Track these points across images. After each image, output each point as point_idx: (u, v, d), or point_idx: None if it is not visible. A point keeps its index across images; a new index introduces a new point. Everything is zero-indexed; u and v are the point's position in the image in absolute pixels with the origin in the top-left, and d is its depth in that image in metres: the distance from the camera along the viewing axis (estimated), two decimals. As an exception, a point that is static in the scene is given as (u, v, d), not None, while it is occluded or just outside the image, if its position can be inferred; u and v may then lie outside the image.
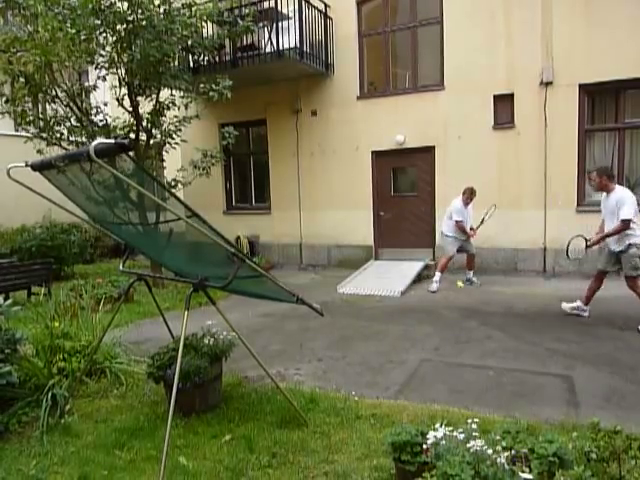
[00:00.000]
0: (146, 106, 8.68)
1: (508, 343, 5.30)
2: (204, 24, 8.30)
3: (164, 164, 9.77)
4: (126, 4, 7.49)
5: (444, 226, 8.21)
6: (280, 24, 9.19)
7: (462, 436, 2.40)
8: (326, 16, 9.97)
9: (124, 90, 8.29)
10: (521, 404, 3.69)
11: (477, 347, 5.20)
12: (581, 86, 8.32)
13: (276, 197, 11.31)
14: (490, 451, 2.23)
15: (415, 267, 9.24)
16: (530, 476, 2.28)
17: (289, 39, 9.35)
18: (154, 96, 8.45)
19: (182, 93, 8.60)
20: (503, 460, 2.32)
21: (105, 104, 9.15)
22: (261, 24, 9.24)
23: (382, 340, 5.52)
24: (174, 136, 8.31)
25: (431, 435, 2.47)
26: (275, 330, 6.03)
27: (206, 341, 3.80)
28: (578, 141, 8.48)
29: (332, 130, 10.43)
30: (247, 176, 11.93)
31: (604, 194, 5.80)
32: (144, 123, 8.50)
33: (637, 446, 2.22)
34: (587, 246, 5.95)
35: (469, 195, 7.92)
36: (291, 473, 2.89)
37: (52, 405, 3.72)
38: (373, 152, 10.08)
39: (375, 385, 4.25)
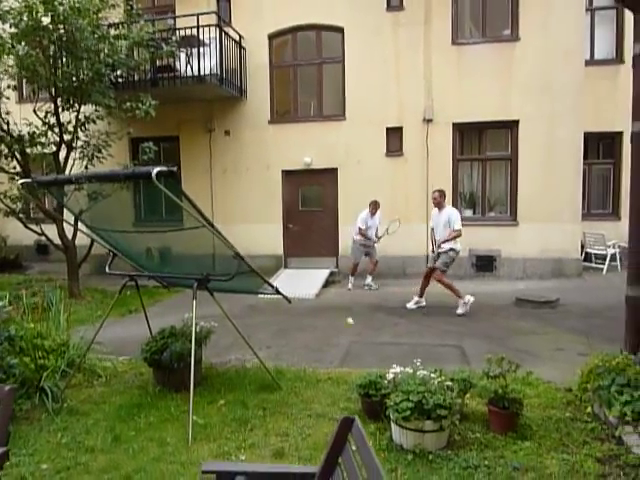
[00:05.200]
0: (65, 118, 8.80)
1: (412, 327, 6.74)
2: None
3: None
4: (48, 19, 7.71)
5: (354, 234, 9.69)
6: (202, 50, 9.94)
7: (411, 371, 3.59)
8: (240, 46, 10.93)
9: (40, 103, 8.44)
10: (432, 364, 4.98)
11: (390, 331, 6.56)
12: (454, 124, 10.36)
13: (189, 210, 11.83)
14: (433, 375, 3.44)
15: (323, 274, 10.51)
16: (454, 393, 3.53)
17: (205, 64, 10.14)
18: (76, 108, 8.65)
19: (105, 109, 8.89)
20: (436, 385, 3.54)
21: (7, 113, 8.98)
22: (180, 49, 9.91)
23: (314, 330, 6.62)
24: (102, 151, 8.59)
25: (390, 372, 3.62)
26: (219, 328, 6.77)
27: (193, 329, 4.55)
28: (452, 168, 10.50)
29: (245, 150, 11.35)
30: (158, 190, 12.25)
31: (436, 210, 7.77)
32: (65, 136, 8.65)
33: (514, 367, 3.59)
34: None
35: (373, 206, 9.55)
36: (283, 419, 3.84)
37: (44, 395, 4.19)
38: (283, 171, 11.21)
39: (321, 361, 5.33)
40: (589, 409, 3.78)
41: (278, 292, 4.43)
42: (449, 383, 3.65)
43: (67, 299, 8.06)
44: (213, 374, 4.82)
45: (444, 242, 7.51)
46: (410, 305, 7.95)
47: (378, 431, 3.53)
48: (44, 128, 8.73)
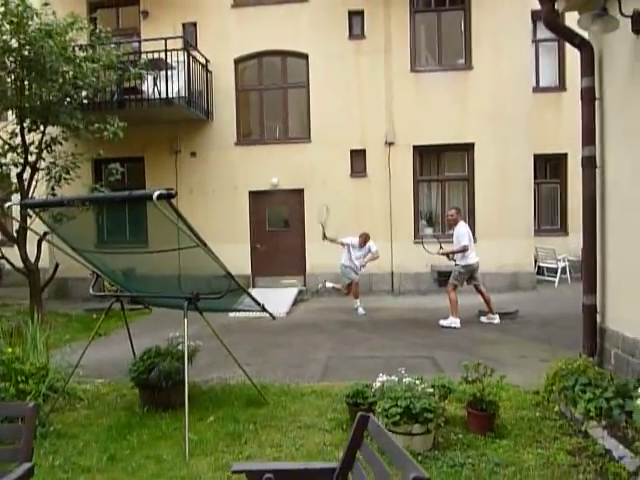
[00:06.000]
0: (29, 139, 8.65)
1: (383, 341, 7.01)
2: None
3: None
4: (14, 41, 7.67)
5: (344, 260, 9.36)
6: (169, 72, 10.05)
7: (396, 379, 3.82)
8: (207, 69, 11.12)
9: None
10: (410, 374, 5.27)
11: (363, 345, 6.81)
12: (414, 147, 10.90)
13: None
14: (418, 382, 3.69)
15: (292, 292, 10.67)
16: (436, 398, 3.79)
17: (173, 87, 10.26)
18: (41, 129, 8.53)
19: (72, 131, 8.81)
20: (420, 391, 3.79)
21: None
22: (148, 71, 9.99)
23: (290, 347, 6.77)
24: (70, 173, 8.50)
25: (377, 380, 3.85)
26: (195, 348, 6.81)
27: (180, 347, 4.62)
28: (413, 188, 11.00)
29: (211, 171, 11.45)
30: (122, 211, 12.12)
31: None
32: (30, 158, 8.50)
33: (489, 372, 3.90)
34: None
35: (364, 239, 9.32)
36: (275, 431, 3.97)
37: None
38: (250, 192, 11.38)
39: (302, 376, 5.48)
40: (556, 408, 4.14)
41: (264, 309, 4.58)
42: (430, 390, 3.91)
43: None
44: (197, 392, 4.88)
45: (449, 254, 7.99)
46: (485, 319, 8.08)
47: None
48: (6, 148, 8.55)
